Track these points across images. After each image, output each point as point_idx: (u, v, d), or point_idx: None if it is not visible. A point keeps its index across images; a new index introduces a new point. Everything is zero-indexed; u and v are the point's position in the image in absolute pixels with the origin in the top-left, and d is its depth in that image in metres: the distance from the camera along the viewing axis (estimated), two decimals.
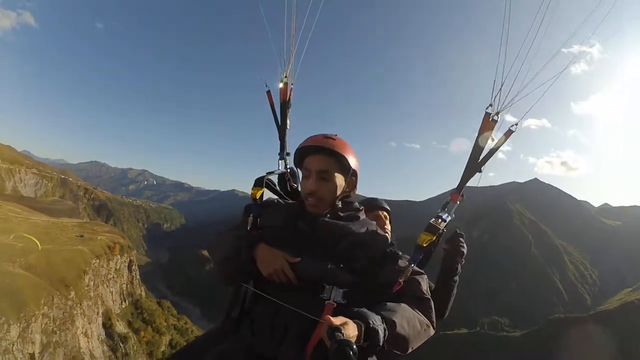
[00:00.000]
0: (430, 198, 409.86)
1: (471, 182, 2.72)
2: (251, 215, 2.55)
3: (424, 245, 2.45)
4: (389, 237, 3.08)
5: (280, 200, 2.84)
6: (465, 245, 3.19)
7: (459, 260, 3.19)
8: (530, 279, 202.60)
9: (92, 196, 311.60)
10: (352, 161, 2.40)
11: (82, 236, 78.89)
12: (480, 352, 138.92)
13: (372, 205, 3.98)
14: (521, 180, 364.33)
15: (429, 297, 2.29)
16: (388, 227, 4.00)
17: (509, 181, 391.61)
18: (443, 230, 2.61)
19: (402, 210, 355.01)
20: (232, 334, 2.31)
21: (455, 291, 3.32)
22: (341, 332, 1.63)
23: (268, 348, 2.09)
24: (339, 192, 2.41)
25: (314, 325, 1.97)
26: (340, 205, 2.45)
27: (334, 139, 2.39)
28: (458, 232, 3.16)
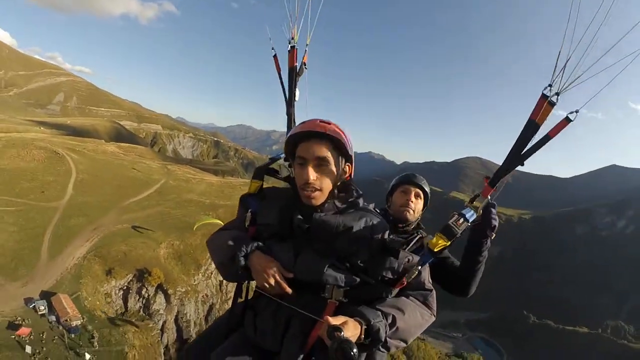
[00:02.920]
0: (578, 176, 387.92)
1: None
2: (249, 210, 2.49)
3: (436, 250, 2.30)
4: (412, 214, 3.43)
5: (280, 188, 2.74)
6: (497, 218, 2.86)
7: (489, 234, 2.89)
8: None
9: (241, 155, 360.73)
10: (349, 147, 2.34)
11: None
12: (594, 356, 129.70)
13: (405, 179, 3.70)
14: None
15: (431, 287, 2.34)
16: (416, 205, 3.57)
17: None
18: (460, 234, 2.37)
19: (547, 188, 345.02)
20: (239, 326, 2.38)
21: (482, 268, 3.13)
22: (341, 332, 1.68)
23: (271, 343, 2.14)
24: (337, 179, 2.33)
25: (315, 321, 2.02)
26: (338, 194, 2.37)
27: (331, 124, 2.28)
28: (490, 201, 2.74)
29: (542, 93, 2.16)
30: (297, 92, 2.88)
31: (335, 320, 1.78)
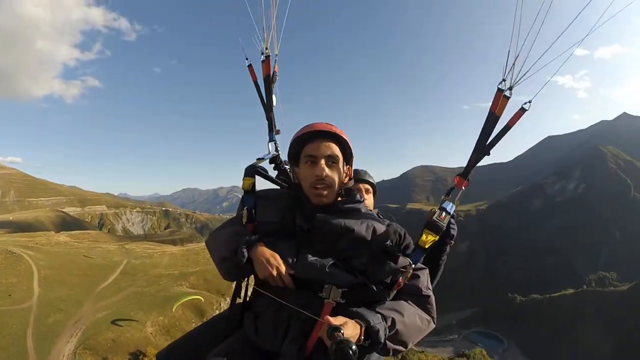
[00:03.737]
0: (519, 155, 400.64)
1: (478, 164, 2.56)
2: (245, 208, 2.51)
3: (427, 247, 2.39)
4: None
5: (278, 189, 2.83)
6: (455, 227, 3.15)
7: (448, 242, 3.17)
8: (635, 225, 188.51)
9: (193, 220, 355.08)
10: (352, 150, 2.47)
11: None
12: (589, 311, 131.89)
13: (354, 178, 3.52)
14: (609, 117, 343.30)
15: (430, 293, 2.35)
16: (369, 200, 3.76)
17: (596, 121, 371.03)
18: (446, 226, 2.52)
19: (494, 175, 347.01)
20: (237, 327, 2.39)
21: (441, 272, 3.39)
22: (341, 332, 1.68)
23: (271, 344, 2.12)
24: (342, 181, 2.44)
25: (315, 322, 2.00)
26: (342, 196, 2.47)
27: (335, 126, 2.38)
28: (451, 213, 2.87)
29: (498, 87, 2.38)
30: (274, 98, 3.14)
31: (335, 321, 1.79)
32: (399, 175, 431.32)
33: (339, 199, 2.46)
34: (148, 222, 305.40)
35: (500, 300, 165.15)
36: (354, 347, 1.55)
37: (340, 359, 1.53)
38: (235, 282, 2.52)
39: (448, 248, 3.24)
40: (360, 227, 2.24)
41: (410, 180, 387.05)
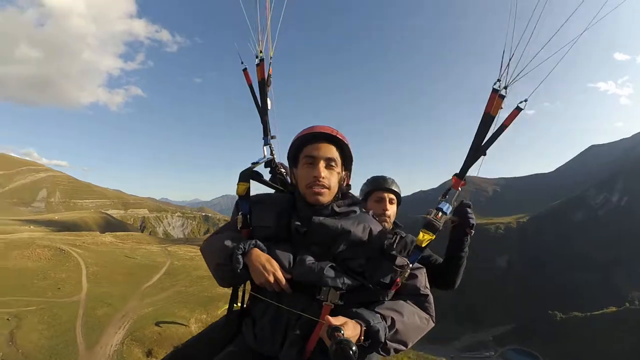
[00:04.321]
0: (562, 166, 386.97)
1: (473, 167, 2.54)
2: (240, 213, 2.54)
3: (424, 245, 2.37)
4: (389, 221, 3.66)
5: (273, 193, 2.86)
6: (473, 216, 3.18)
7: (468, 231, 3.19)
8: None
9: None
10: (352, 156, 2.51)
11: None
12: (633, 330, 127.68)
13: (376, 185, 3.77)
14: None
15: (428, 292, 2.40)
16: (391, 211, 3.72)
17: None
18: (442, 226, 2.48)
19: (535, 186, 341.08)
20: (236, 333, 2.45)
21: (464, 263, 3.38)
22: (341, 332, 1.72)
23: (270, 349, 2.16)
24: (339, 185, 2.48)
25: (314, 326, 2.04)
26: (338, 199, 2.49)
27: (338, 131, 2.42)
28: (465, 201, 3.13)
29: (493, 87, 2.39)
30: (269, 102, 3.12)
31: (335, 321, 1.83)
32: (437, 185, 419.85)
33: (337, 200, 2.50)
34: (188, 226, 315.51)
35: (539, 316, 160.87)
36: (354, 347, 1.57)
37: (341, 358, 1.55)
38: (232, 290, 2.58)
39: (469, 238, 3.29)
40: (357, 229, 2.31)
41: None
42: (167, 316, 64.16)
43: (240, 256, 2.22)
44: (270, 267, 2.17)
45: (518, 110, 2.38)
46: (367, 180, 3.92)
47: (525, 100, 2.33)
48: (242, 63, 3.13)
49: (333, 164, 2.39)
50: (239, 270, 2.21)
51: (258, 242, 2.32)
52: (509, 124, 2.40)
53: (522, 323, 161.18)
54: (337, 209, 2.41)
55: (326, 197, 2.38)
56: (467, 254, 3.36)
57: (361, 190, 3.94)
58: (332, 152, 2.39)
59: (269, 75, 3.08)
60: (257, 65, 3.07)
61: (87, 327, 58.31)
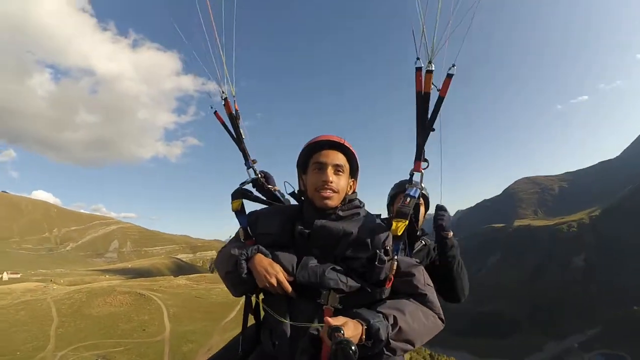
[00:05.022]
0: (628, 147, 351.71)
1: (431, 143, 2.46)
2: (240, 227, 2.59)
3: (400, 233, 2.29)
4: (417, 225, 3.20)
5: (280, 205, 2.94)
6: (445, 217, 3.24)
7: (444, 234, 3.20)
8: None
9: None
10: (358, 164, 2.51)
11: None
12: None
13: (403, 188, 3.17)
14: None
15: (427, 290, 2.30)
16: (419, 215, 3.35)
17: None
18: (412, 211, 2.40)
19: (603, 175, 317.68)
20: (256, 344, 2.44)
21: (459, 268, 3.30)
22: (341, 332, 1.66)
23: (287, 357, 2.11)
24: (346, 190, 2.46)
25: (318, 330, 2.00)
26: (343, 204, 2.44)
27: (345, 140, 2.44)
28: (438, 205, 3.22)
29: (416, 67, 2.34)
30: (243, 132, 3.28)
31: (335, 321, 1.77)
32: (500, 192, 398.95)
33: (342, 205, 2.46)
34: None
35: (626, 316, 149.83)
36: (354, 347, 1.55)
37: (341, 359, 1.53)
38: (244, 299, 2.57)
39: (449, 241, 3.26)
40: (359, 230, 2.29)
41: (513, 196, 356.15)
42: None
43: (243, 261, 2.26)
44: (272, 270, 2.19)
45: (449, 77, 2.36)
46: (394, 184, 3.92)
47: (454, 65, 2.32)
48: (211, 107, 3.37)
49: (341, 170, 2.41)
50: (243, 275, 2.24)
51: (260, 247, 2.35)
52: (444, 94, 2.39)
53: (608, 325, 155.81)
54: (341, 213, 2.41)
55: (334, 200, 2.37)
56: (457, 258, 3.30)
57: (388, 195, 3.97)
58: (340, 159, 2.42)
59: (236, 111, 3.27)
60: (223, 104, 3.27)
61: None
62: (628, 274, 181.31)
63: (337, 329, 1.68)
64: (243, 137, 3.27)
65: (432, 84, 2.36)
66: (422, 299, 2.24)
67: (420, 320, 2.10)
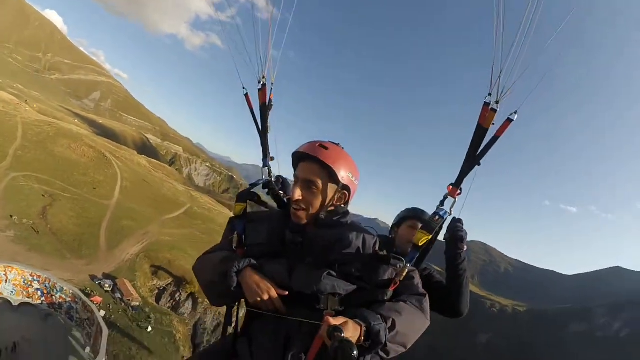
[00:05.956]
0: (580, 274, 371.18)
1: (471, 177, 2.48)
2: (235, 232, 2.46)
3: (420, 244, 2.37)
4: None
5: (266, 210, 2.81)
6: (464, 230, 3.04)
7: (461, 246, 3.05)
8: None
9: None
10: (343, 175, 2.29)
11: None
12: None
13: (413, 214, 3.69)
14: None
15: (424, 292, 2.31)
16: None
17: None
18: (440, 228, 2.50)
19: (545, 281, 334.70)
20: (231, 356, 2.28)
21: (466, 282, 3.23)
22: (341, 332, 1.63)
23: None
24: (326, 203, 2.31)
25: (314, 335, 1.89)
26: (324, 215, 2.32)
27: (327, 148, 2.27)
28: (456, 217, 2.97)
29: (484, 101, 2.36)
30: (269, 125, 3.07)
31: (335, 321, 1.73)
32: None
33: (323, 216, 2.34)
34: (212, 178, 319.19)
35: None
36: (355, 350, 1.51)
37: (341, 359, 1.50)
38: (225, 310, 2.53)
39: (463, 254, 3.12)
40: (351, 237, 2.24)
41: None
42: (179, 250, 72.80)
43: (234, 274, 2.15)
44: (264, 286, 2.11)
45: (509, 121, 2.36)
46: (409, 208, 3.87)
47: (515, 112, 2.33)
48: (243, 88, 3.14)
49: (312, 185, 2.26)
50: (232, 288, 2.14)
51: (252, 261, 2.24)
52: (500, 135, 2.39)
53: None
54: (329, 221, 2.33)
55: (302, 218, 2.29)
56: (466, 272, 3.22)
57: (397, 215, 3.87)
58: (310, 172, 2.26)
59: (270, 100, 3.06)
60: (260, 90, 3.05)
61: (111, 231, 67.32)
62: None
63: (338, 328, 1.65)
64: (268, 131, 3.09)
65: (493, 123, 2.39)
66: (419, 299, 2.25)
67: (415, 324, 2.12)
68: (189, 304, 66.27)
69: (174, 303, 65.13)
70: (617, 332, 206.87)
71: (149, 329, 50.24)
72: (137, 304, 53.11)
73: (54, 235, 57.47)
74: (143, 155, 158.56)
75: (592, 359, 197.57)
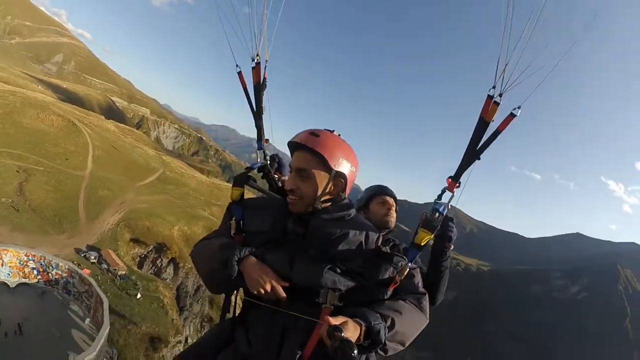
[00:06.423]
0: (542, 237, 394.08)
1: (470, 173, 2.53)
2: (233, 218, 2.41)
3: (423, 244, 2.42)
4: (392, 221, 3.69)
5: (266, 197, 2.77)
6: (454, 230, 3.09)
7: (448, 245, 3.11)
8: (611, 356, 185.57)
9: (220, 157, 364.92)
10: (337, 162, 2.22)
11: None
12: None
13: (378, 190, 3.84)
14: None
15: (424, 290, 2.31)
16: (393, 215, 3.76)
17: (629, 240, 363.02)
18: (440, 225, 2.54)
19: (508, 242, 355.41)
20: (229, 342, 2.31)
21: (446, 277, 3.31)
22: (341, 332, 1.62)
23: (267, 357, 2.05)
24: (319, 192, 2.24)
25: (312, 331, 1.93)
26: (328, 205, 2.28)
27: (319, 136, 2.21)
28: (448, 216, 2.91)
29: (488, 94, 2.33)
30: (264, 106, 3.02)
31: (335, 320, 1.73)
32: (422, 202, 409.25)
33: (331, 205, 2.31)
34: (181, 141, 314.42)
35: (454, 358, 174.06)
36: (355, 350, 1.52)
37: (341, 359, 1.50)
38: (224, 297, 2.54)
39: (449, 251, 3.22)
40: (354, 231, 2.20)
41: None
42: (157, 217, 75.59)
43: (235, 263, 2.11)
44: (267, 276, 2.08)
45: (512, 116, 2.35)
46: (367, 188, 4.00)
47: (519, 107, 2.31)
48: (237, 66, 3.04)
49: (304, 174, 2.22)
50: (233, 277, 2.11)
51: (254, 249, 2.21)
52: (503, 129, 2.38)
53: (438, 355, 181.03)
54: (332, 213, 2.27)
55: (297, 206, 2.26)
56: (448, 268, 3.33)
57: (360, 197, 3.95)
58: (303, 161, 2.23)
59: (264, 79, 3.00)
60: (253, 68, 2.99)
61: (89, 202, 69.26)
62: (479, 330, 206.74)
63: (338, 328, 1.65)
64: (263, 112, 3.04)
65: (492, 120, 2.39)
66: (420, 298, 2.25)
67: (414, 323, 2.13)
68: (170, 269, 69.44)
69: (155, 269, 68.22)
70: (574, 295, 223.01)
71: (138, 295, 53.66)
72: (124, 272, 56.18)
73: (34, 211, 58.64)
74: (111, 120, 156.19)
75: (549, 317, 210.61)
